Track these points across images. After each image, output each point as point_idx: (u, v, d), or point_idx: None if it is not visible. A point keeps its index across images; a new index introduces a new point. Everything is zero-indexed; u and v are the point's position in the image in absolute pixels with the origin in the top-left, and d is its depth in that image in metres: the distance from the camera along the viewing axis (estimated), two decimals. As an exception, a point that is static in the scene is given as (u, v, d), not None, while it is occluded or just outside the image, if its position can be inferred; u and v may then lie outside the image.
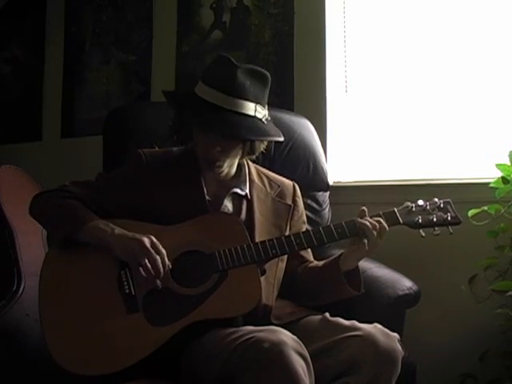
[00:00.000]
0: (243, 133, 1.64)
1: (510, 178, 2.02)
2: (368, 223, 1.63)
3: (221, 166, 1.71)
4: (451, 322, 2.29)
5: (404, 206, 1.71)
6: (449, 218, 1.68)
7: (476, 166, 2.33)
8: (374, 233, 1.62)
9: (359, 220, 1.65)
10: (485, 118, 2.36)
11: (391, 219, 1.68)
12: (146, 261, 1.55)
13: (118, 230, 1.61)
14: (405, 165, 2.50)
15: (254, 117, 1.65)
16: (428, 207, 1.70)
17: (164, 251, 1.58)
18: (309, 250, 1.83)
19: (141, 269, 1.56)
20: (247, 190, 1.77)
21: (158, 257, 1.56)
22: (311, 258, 1.84)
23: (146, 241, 1.57)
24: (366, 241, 1.63)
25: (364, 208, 1.68)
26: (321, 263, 1.79)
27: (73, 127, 3.19)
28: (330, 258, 1.75)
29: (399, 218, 1.68)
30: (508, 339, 2.05)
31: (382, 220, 1.65)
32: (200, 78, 1.69)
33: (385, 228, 1.64)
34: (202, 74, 1.70)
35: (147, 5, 3.02)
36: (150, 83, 2.99)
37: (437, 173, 2.40)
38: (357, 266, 1.70)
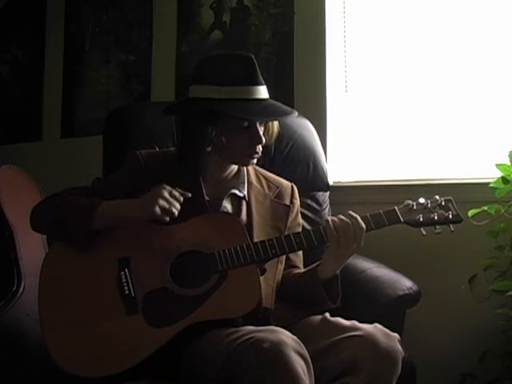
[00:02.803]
0: (288, 112, 1.70)
1: (510, 178, 2.02)
2: (331, 222, 1.59)
3: (258, 155, 1.72)
4: (451, 322, 2.29)
5: (405, 204, 1.68)
6: (450, 216, 1.66)
7: (476, 166, 2.33)
8: (335, 234, 1.58)
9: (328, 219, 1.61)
10: (485, 118, 2.36)
11: (392, 218, 1.65)
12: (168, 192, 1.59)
13: (128, 201, 1.63)
14: (405, 165, 2.50)
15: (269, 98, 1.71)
16: (429, 205, 1.67)
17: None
18: (300, 255, 1.82)
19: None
20: (245, 192, 1.77)
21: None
22: (300, 265, 1.82)
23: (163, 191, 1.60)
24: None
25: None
26: (302, 271, 1.77)
27: (73, 127, 3.19)
28: (310, 266, 1.72)
29: (400, 217, 1.66)
30: (508, 339, 2.05)
31: (358, 219, 1.60)
32: (206, 83, 1.67)
33: (361, 228, 1.59)
34: (206, 78, 1.67)
35: (147, 5, 3.02)
36: (150, 83, 2.99)
37: (437, 173, 2.40)
38: (337, 275, 1.67)
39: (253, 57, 1.69)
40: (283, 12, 2.68)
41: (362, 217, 1.63)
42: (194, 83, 1.71)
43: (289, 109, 1.73)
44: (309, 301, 1.70)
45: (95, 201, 1.63)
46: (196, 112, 1.68)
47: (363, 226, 1.60)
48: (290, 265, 1.79)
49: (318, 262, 1.69)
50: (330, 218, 1.62)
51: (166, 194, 1.59)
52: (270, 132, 1.76)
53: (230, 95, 1.64)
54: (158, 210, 1.57)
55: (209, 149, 1.69)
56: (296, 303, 1.73)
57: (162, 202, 1.57)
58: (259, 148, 1.70)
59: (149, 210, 1.57)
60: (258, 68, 1.68)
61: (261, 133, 1.69)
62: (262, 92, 1.68)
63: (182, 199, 1.61)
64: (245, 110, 1.63)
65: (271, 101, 1.71)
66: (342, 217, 1.61)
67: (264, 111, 1.67)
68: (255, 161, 1.74)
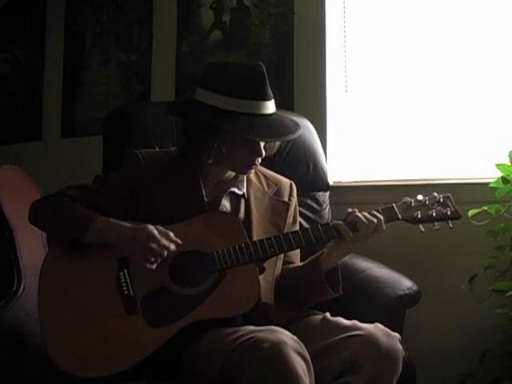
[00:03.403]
0: (293, 130, 1.69)
1: (510, 177, 2.02)
2: (363, 217, 1.61)
3: (256, 166, 1.72)
4: (451, 322, 2.29)
5: (403, 201, 1.69)
6: (448, 212, 1.66)
7: (476, 166, 2.33)
8: (370, 228, 1.60)
9: (356, 213, 1.62)
10: (485, 118, 2.36)
11: (390, 215, 1.66)
12: (152, 245, 1.55)
13: (119, 227, 1.60)
14: (405, 165, 2.50)
15: (275, 112, 1.69)
16: (427, 202, 1.68)
17: (171, 233, 1.58)
18: (298, 252, 1.82)
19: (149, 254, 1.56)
20: (244, 190, 1.78)
21: (162, 238, 1.56)
22: (297, 260, 1.82)
23: (149, 229, 1.57)
24: (354, 235, 1.61)
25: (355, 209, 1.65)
26: (301, 264, 1.78)
27: (73, 127, 3.19)
28: (311, 257, 1.73)
29: (398, 214, 1.66)
30: (508, 339, 2.05)
31: (382, 219, 1.63)
32: (214, 90, 1.65)
33: (382, 228, 1.63)
34: (214, 85, 1.66)
35: (147, 5, 3.02)
36: (150, 83, 2.99)
37: (437, 173, 2.40)
38: (337, 266, 1.68)
39: (264, 70, 1.66)
40: (283, 12, 2.68)
41: None
42: (201, 86, 1.69)
43: (293, 125, 1.71)
44: (310, 292, 1.70)
45: (90, 216, 1.62)
46: (201, 122, 1.67)
47: (384, 228, 1.62)
48: (286, 261, 1.79)
49: (318, 253, 1.69)
50: (360, 214, 1.62)
51: (155, 243, 1.56)
52: (272, 145, 1.76)
53: (237, 108, 1.62)
54: (149, 256, 1.55)
55: (210, 161, 1.70)
56: (296, 298, 1.73)
57: (149, 254, 1.55)
58: (258, 160, 1.71)
59: (136, 253, 1.57)
60: (267, 82, 1.66)
61: (262, 147, 1.69)
62: (269, 107, 1.66)
63: (172, 248, 1.57)
64: (250, 127, 1.61)
65: (277, 115, 1.69)
66: (368, 215, 1.62)
67: (269, 129, 1.64)
68: (252, 171, 1.75)
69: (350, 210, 1.65)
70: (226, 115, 1.62)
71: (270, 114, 1.67)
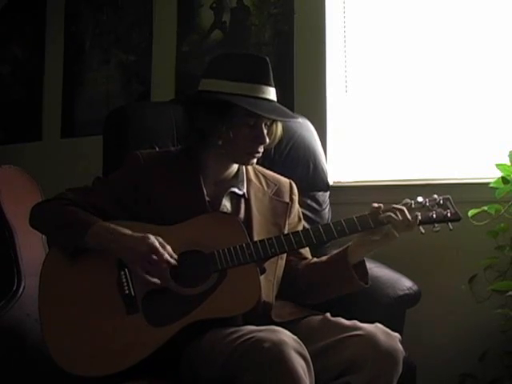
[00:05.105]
0: (294, 115, 1.73)
1: (510, 177, 2.02)
2: (393, 214, 1.62)
3: (259, 154, 1.73)
4: (451, 322, 2.29)
5: (403, 202, 1.69)
6: (448, 214, 1.67)
7: (476, 166, 2.33)
8: (402, 225, 1.62)
9: (382, 214, 1.63)
10: (485, 118, 2.36)
11: None
12: (153, 257, 1.55)
13: (119, 234, 1.60)
14: (405, 165, 2.50)
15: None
16: (427, 204, 1.68)
17: (168, 247, 1.58)
18: (307, 247, 1.83)
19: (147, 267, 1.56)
20: (244, 190, 1.78)
21: (164, 252, 1.56)
22: (309, 256, 1.84)
23: (150, 241, 1.57)
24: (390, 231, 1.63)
25: (380, 205, 1.66)
26: (325, 258, 1.78)
27: (73, 127, 3.19)
28: (336, 251, 1.73)
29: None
30: (508, 339, 2.05)
31: (405, 212, 1.63)
32: (219, 77, 1.68)
33: (408, 220, 1.63)
34: (219, 73, 1.68)
35: (147, 5, 3.02)
36: (150, 83, 2.99)
37: (437, 173, 2.40)
38: (362, 259, 1.70)
39: (268, 59, 1.69)
40: (283, 12, 2.68)
41: (361, 216, 1.64)
42: (205, 77, 1.71)
43: (293, 113, 1.74)
44: (337, 285, 1.71)
45: (91, 222, 1.62)
46: (209, 103, 1.68)
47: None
48: (300, 257, 1.81)
49: (342, 248, 1.71)
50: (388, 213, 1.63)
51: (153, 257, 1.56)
52: (273, 134, 1.76)
53: (242, 91, 1.64)
54: (148, 268, 1.56)
55: (220, 142, 1.69)
56: (322, 292, 1.75)
57: (149, 266, 1.56)
58: (261, 148, 1.71)
59: (136, 263, 1.57)
60: (270, 69, 1.69)
61: (265, 133, 1.70)
62: (272, 94, 1.69)
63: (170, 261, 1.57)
64: (257, 106, 1.64)
65: (278, 104, 1.72)
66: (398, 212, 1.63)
67: (274, 111, 1.68)
68: (255, 160, 1.75)
69: (375, 205, 1.66)
70: (233, 96, 1.64)
71: (273, 100, 1.69)
